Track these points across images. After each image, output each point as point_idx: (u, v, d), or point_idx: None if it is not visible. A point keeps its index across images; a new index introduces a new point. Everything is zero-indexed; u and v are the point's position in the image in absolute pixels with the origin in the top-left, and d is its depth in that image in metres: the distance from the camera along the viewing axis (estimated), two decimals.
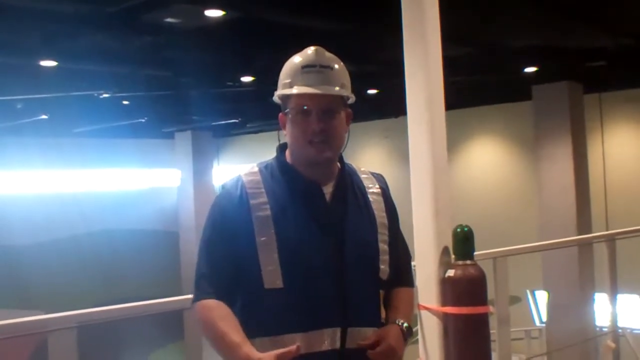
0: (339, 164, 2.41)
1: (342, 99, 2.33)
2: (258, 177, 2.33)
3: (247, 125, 15.77)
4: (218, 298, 2.24)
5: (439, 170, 3.96)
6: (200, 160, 16.21)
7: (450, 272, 3.82)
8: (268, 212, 2.25)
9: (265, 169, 2.36)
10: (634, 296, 10.19)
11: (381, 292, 2.36)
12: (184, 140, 16.20)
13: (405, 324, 2.34)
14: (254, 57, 9.18)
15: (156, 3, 6.98)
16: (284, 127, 2.37)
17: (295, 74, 2.31)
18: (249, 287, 2.23)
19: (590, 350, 9.00)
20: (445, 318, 3.85)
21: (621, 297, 6.21)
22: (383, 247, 2.36)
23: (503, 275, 4.76)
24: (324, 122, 2.27)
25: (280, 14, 7.43)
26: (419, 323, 2.74)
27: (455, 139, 12.36)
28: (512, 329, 5.33)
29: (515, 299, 11.36)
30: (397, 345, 2.28)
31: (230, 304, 2.25)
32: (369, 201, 2.40)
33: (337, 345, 2.21)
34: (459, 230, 3.89)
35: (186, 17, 7.55)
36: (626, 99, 12.41)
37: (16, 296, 13.82)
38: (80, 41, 7.94)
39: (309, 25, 7.75)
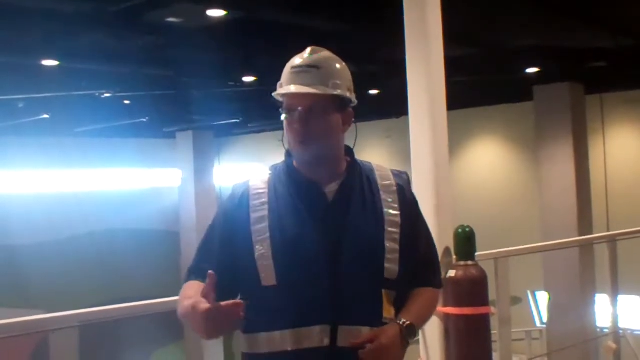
0: (347, 163, 2.40)
1: (334, 98, 2.31)
2: (265, 178, 2.37)
3: (249, 125, 15.77)
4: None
5: (440, 171, 3.97)
6: (202, 160, 16.21)
7: (452, 273, 3.83)
8: (265, 212, 2.29)
9: (274, 170, 2.40)
10: (635, 297, 10.17)
11: (391, 292, 2.33)
12: (185, 140, 16.20)
13: (407, 323, 2.28)
14: (256, 57, 9.18)
15: (158, 2, 6.99)
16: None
17: (286, 75, 2.34)
18: (248, 285, 2.27)
19: (591, 351, 9.01)
20: (446, 318, 3.86)
21: (622, 298, 6.22)
22: (392, 245, 2.32)
23: (504, 276, 4.76)
24: (307, 122, 2.27)
25: (282, 14, 7.44)
26: None
27: (456, 139, 12.31)
28: (513, 330, 5.33)
29: (516, 300, 11.37)
30: (391, 344, 2.23)
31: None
32: (380, 199, 2.37)
33: (327, 342, 2.21)
34: (460, 230, 3.91)
35: (188, 17, 7.56)
36: (627, 100, 12.40)
37: (17, 296, 13.83)
38: (81, 40, 7.95)
39: (311, 25, 7.76)
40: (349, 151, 2.42)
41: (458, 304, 3.77)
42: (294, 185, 2.34)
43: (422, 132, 3.92)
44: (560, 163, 11.29)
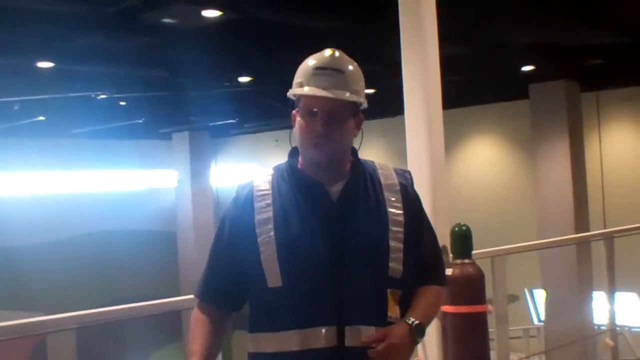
0: (351, 163, 2.41)
1: (352, 104, 2.33)
2: (269, 179, 2.37)
3: (245, 126, 15.76)
4: (213, 300, 2.39)
5: (436, 170, 3.98)
6: (198, 161, 16.20)
7: (449, 271, 3.84)
8: (270, 214, 2.29)
9: (277, 171, 2.40)
10: (632, 294, 10.19)
11: (396, 291, 2.33)
12: (181, 141, 16.18)
13: (416, 322, 2.29)
14: (252, 57, 9.18)
15: (153, 3, 6.99)
16: (294, 124, 2.37)
17: (307, 75, 2.31)
18: (255, 287, 2.29)
19: (589, 349, 9.02)
20: (443, 317, 3.87)
21: (619, 295, 6.23)
22: (396, 245, 2.33)
23: (501, 274, 4.76)
24: (328, 126, 2.27)
25: (278, 14, 7.43)
26: None
27: (452, 138, 12.34)
28: (510, 328, 5.33)
29: (514, 298, 11.36)
30: (401, 343, 2.25)
31: (230, 306, 2.40)
32: (384, 198, 2.38)
33: (334, 343, 2.22)
34: (457, 229, 3.92)
35: (183, 18, 7.56)
36: (623, 98, 12.42)
37: (15, 298, 13.81)
38: (77, 42, 7.95)
39: (306, 25, 7.75)
40: (353, 151, 2.43)
41: (455, 302, 3.78)
42: (298, 185, 2.34)
43: (418, 131, 3.93)
44: (556, 161, 11.30)
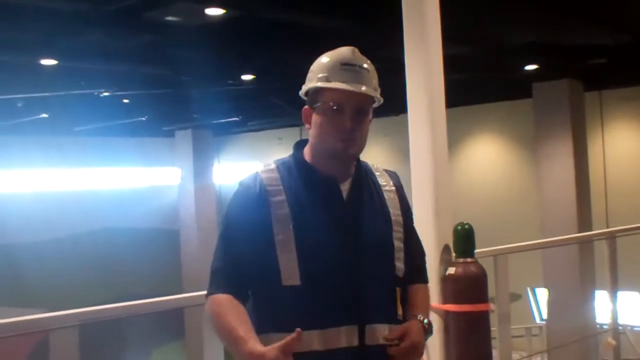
0: (355, 162, 2.42)
1: (371, 102, 2.34)
2: (276, 174, 2.32)
3: (248, 124, 15.76)
4: (231, 292, 2.23)
5: (439, 168, 3.97)
6: (201, 159, 16.21)
7: (451, 270, 3.84)
8: (286, 210, 2.25)
9: (282, 166, 2.35)
10: (635, 294, 10.19)
11: (398, 289, 2.36)
12: (184, 138, 16.19)
13: (426, 320, 2.36)
14: (255, 55, 9.17)
15: (157, 1, 6.98)
16: (307, 120, 2.34)
17: (334, 70, 2.29)
18: (267, 284, 2.24)
19: (591, 348, 9.02)
20: (446, 315, 3.87)
21: (621, 295, 6.22)
22: (398, 244, 2.37)
23: (504, 273, 4.76)
24: (355, 121, 2.27)
25: (281, 12, 7.42)
26: None
27: (455, 137, 12.35)
28: (512, 327, 5.34)
29: (516, 297, 11.37)
30: (419, 341, 2.29)
31: (245, 298, 2.26)
32: (384, 199, 2.41)
33: (356, 342, 2.22)
34: (459, 228, 3.91)
35: (187, 16, 7.55)
36: (626, 97, 12.40)
37: (17, 295, 13.83)
38: (80, 39, 7.94)
39: (309, 24, 7.75)
40: None
41: (457, 301, 3.78)
42: (310, 181, 2.32)
43: (421, 130, 3.92)
44: (559, 160, 11.29)
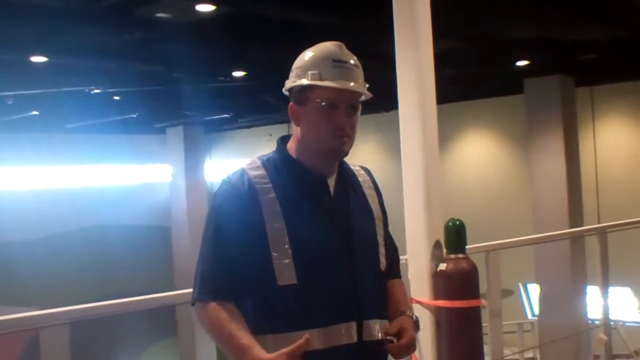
0: None
1: (361, 96, 2.33)
2: (263, 172, 2.27)
3: (239, 120, 15.75)
4: (224, 298, 2.19)
5: (430, 165, 3.97)
6: (192, 156, 16.19)
7: (442, 266, 3.84)
8: (278, 208, 2.21)
9: (267, 162, 2.30)
10: (626, 289, 10.21)
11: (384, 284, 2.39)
12: (175, 135, 16.17)
13: (415, 316, 2.38)
14: (246, 51, 9.16)
15: None
16: (295, 118, 2.28)
17: (326, 67, 2.25)
18: (261, 285, 2.19)
19: (582, 343, 9.04)
20: (437, 311, 3.87)
21: (613, 290, 6.24)
22: (380, 240, 2.39)
23: (495, 269, 4.77)
24: (349, 118, 2.27)
25: (271, 9, 7.41)
26: None
27: (446, 133, 12.37)
28: (504, 322, 5.35)
29: (508, 292, 11.39)
30: (414, 336, 2.32)
31: (237, 302, 2.21)
32: (366, 195, 2.41)
33: (355, 338, 2.22)
34: (450, 224, 3.91)
35: (177, 12, 7.55)
36: (618, 92, 12.42)
37: (8, 293, 13.78)
38: (70, 36, 7.92)
39: (300, 20, 7.74)
40: None
41: (449, 297, 3.78)
42: (298, 178, 2.28)
43: (412, 126, 3.92)
44: (550, 155, 11.31)
